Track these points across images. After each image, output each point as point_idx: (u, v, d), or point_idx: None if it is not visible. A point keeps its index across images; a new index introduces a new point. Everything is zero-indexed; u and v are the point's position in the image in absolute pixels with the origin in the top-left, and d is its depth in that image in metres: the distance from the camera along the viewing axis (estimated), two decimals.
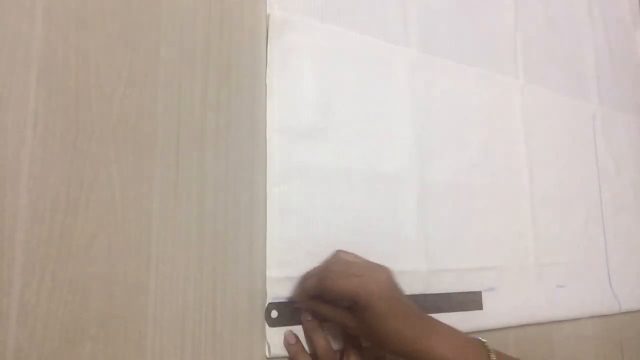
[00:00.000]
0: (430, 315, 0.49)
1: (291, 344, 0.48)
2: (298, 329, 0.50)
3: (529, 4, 0.83)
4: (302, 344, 0.49)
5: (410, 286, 0.58)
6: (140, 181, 0.44)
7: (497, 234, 0.69)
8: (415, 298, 0.58)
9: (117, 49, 0.44)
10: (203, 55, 0.49)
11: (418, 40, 0.66)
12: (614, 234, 0.85)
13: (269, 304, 0.49)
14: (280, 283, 0.50)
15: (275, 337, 0.48)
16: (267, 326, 0.48)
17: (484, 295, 0.65)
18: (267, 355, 0.48)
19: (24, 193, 0.39)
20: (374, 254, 0.56)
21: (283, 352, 0.48)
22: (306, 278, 0.49)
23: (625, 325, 0.81)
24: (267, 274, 0.49)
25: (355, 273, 0.46)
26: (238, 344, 0.47)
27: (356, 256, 0.51)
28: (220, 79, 0.50)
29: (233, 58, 0.51)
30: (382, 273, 0.46)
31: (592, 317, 0.77)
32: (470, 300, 0.64)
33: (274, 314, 0.49)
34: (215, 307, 0.46)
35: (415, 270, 0.59)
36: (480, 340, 0.48)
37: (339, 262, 0.49)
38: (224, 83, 0.50)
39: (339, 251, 0.51)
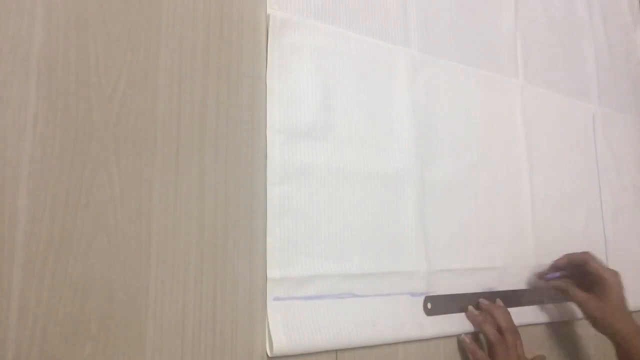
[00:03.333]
0: None
1: (468, 342, 0.60)
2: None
3: (529, 4, 0.83)
4: (474, 343, 0.61)
5: (410, 286, 0.59)
6: (140, 181, 0.44)
7: (497, 234, 0.69)
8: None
9: (117, 49, 0.44)
10: (203, 55, 0.49)
11: (418, 40, 0.66)
12: (614, 234, 0.85)
13: (426, 296, 0.59)
14: (280, 283, 0.50)
15: (278, 336, 0.48)
16: (268, 323, 0.48)
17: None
18: (269, 354, 0.48)
19: (24, 193, 0.39)
20: (374, 254, 0.56)
21: (285, 350, 0.48)
22: (568, 256, 0.69)
23: None
24: (267, 274, 0.49)
25: (605, 266, 0.67)
26: (238, 344, 0.47)
27: None
28: (220, 79, 0.50)
29: (233, 58, 0.51)
30: (619, 274, 0.66)
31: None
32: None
33: (429, 305, 0.59)
34: (215, 307, 0.46)
35: (415, 270, 0.59)
36: None
37: (591, 253, 0.68)
38: (224, 83, 0.50)
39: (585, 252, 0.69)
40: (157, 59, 0.47)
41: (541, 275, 0.71)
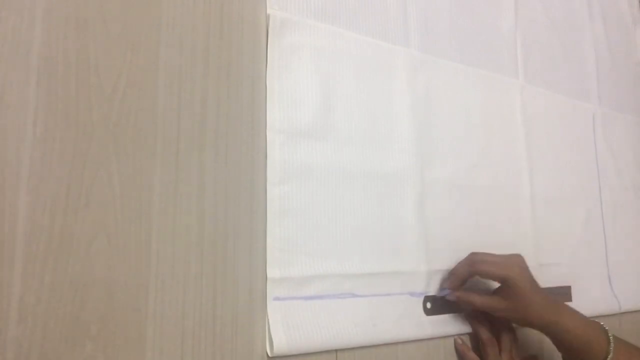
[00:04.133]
0: None
1: (460, 343, 0.60)
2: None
3: (529, 4, 0.83)
4: (467, 343, 0.60)
5: (410, 286, 0.59)
6: (140, 181, 0.44)
7: (497, 234, 0.69)
8: None
9: (117, 49, 0.44)
10: (203, 55, 0.49)
11: (418, 40, 0.66)
12: (614, 234, 0.85)
13: (425, 296, 0.58)
14: (280, 283, 0.50)
15: (278, 336, 0.48)
16: (268, 322, 0.48)
17: None
18: (269, 354, 0.48)
19: (24, 193, 0.39)
20: (374, 254, 0.56)
21: (285, 350, 0.48)
22: (453, 271, 0.60)
23: (625, 325, 0.81)
24: (268, 274, 0.49)
25: (498, 259, 0.57)
26: (238, 344, 0.47)
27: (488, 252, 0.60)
28: (220, 79, 0.50)
29: (233, 58, 0.51)
30: (519, 258, 0.58)
31: (592, 317, 0.77)
32: (561, 293, 0.73)
33: (429, 305, 0.59)
34: (215, 307, 0.46)
35: (415, 270, 0.59)
36: (599, 323, 0.57)
37: (480, 254, 0.59)
38: (224, 83, 0.50)
39: (472, 252, 0.60)
40: (157, 59, 0.47)
41: (437, 292, 0.61)
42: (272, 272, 0.49)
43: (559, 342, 0.57)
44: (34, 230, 0.39)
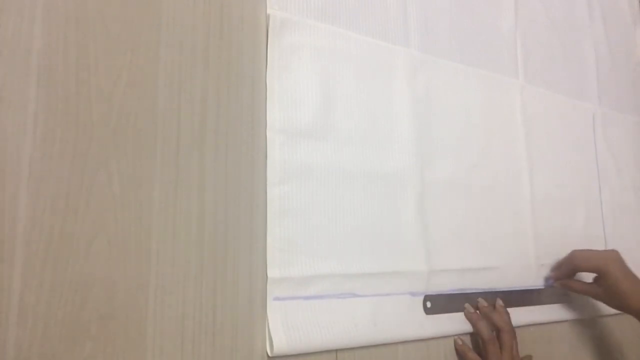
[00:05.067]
0: None
1: (460, 344, 0.61)
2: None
3: (529, 4, 0.83)
4: (468, 344, 0.62)
5: (410, 286, 0.59)
6: (140, 181, 0.44)
7: (497, 234, 0.69)
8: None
9: (117, 49, 0.44)
10: (203, 55, 0.49)
11: (418, 40, 0.66)
12: (614, 234, 0.85)
13: (425, 295, 0.59)
14: (280, 283, 0.50)
15: (278, 336, 0.48)
16: (268, 322, 0.48)
17: None
18: (269, 354, 0.48)
19: (24, 193, 0.39)
20: (374, 254, 0.56)
21: (285, 350, 0.48)
22: (557, 266, 0.73)
23: (625, 325, 0.81)
24: (268, 274, 0.49)
25: (595, 253, 0.68)
26: (238, 344, 0.47)
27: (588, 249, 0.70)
28: (220, 79, 0.50)
29: (233, 58, 0.51)
30: (614, 252, 0.67)
31: (592, 317, 0.77)
32: (561, 293, 0.75)
33: (429, 304, 0.59)
34: (215, 307, 0.46)
35: (415, 270, 0.59)
36: None
37: (578, 250, 0.70)
38: (224, 83, 0.50)
39: (574, 250, 0.70)
40: (157, 59, 0.47)
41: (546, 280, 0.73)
42: (272, 272, 0.49)
43: None
44: (34, 230, 0.39)
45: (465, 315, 0.62)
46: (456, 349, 0.61)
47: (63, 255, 0.39)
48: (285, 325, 0.49)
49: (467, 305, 0.63)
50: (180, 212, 0.46)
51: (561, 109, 0.83)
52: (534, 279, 0.72)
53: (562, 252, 0.75)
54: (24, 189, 0.39)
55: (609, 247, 0.84)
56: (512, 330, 0.62)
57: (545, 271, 0.74)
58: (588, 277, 0.71)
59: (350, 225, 0.55)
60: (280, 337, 0.48)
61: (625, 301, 0.64)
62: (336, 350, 0.51)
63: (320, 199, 0.54)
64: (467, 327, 0.62)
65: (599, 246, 0.83)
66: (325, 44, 0.57)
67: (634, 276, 0.65)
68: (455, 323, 0.61)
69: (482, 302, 0.64)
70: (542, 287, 0.72)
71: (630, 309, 0.64)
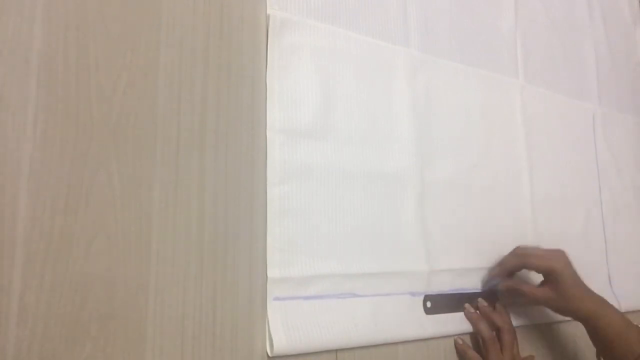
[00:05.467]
0: None
1: (460, 343, 0.61)
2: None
3: (529, 4, 0.83)
4: (468, 343, 0.62)
5: (410, 286, 0.59)
6: (140, 181, 0.44)
7: (497, 234, 0.69)
8: None
9: (117, 49, 0.44)
10: (203, 55, 0.49)
11: (418, 40, 0.66)
12: (614, 234, 0.85)
13: (425, 295, 0.59)
14: (280, 283, 0.50)
15: (278, 336, 0.48)
16: (269, 322, 0.48)
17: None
18: (269, 354, 0.48)
19: (24, 193, 0.39)
20: (374, 254, 0.56)
21: (286, 350, 0.48)
22: (501, 263, 0.64)
23: None
24: (268, 274, 0.49)
25: (544, 253, 0.62)
26: (238, 344, 0.47)
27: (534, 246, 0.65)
28: (220, 79, 0.50)
29: (233, 58, 0.51)
30: (562, 252, 0.61)
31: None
32: None
33: (429, 304, 0.59)
34: (215, 307, 0.46)
35: (416, 270, 0.59)
36: (638, 325, 0.59)
37: (526, 247, 0.64)
38: (224, 83, 0.50)
39: (518, 246, 0.65)
40: (157, 59, 0.47)
41: (485, 284, 0.66)
42: (272, 272, 0.49)
43: (597, 334, 0.60)
44: (34, 230, 0.39)
45: (466, 315, 0.62)
46: (456, 348, 0.61)
47: (63, 255, 0.39)
48: (285, 325, 0.49)
49: (467, 305, 0.63)
50: (180, 212, 0.46)
51: (561, 109, 0.83)
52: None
53: None
54: (24, 189, 0.39)
55: (609, 247, 0.83)
56: (513, 330, 0.62)
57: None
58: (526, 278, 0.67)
59: (350, 225, 0.55)
60: (280, 337, 0.48)
61: (576, 306, 0.59)
62: (336, 350, 0.51)
63: (320, 199, 0.54)
64: (467, 327, 0.62)
65: (599, 246, 0.82)
66: (325, 44, 0.57)
67: (580, 279, 0.61)
68: (456, 323, 0.61)
69: (482, 302, 0.63)
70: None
71: (581, 314, 0.60)
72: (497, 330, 0.61)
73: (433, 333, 0.59)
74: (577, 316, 0.61)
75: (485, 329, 0.60)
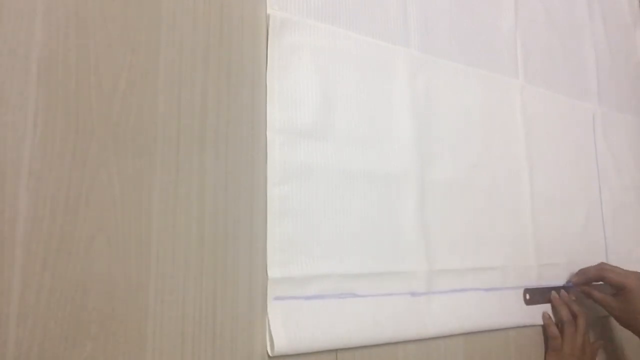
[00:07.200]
0: None
1: (547, 317, 0.71)
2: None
3: (529, 4, 0.83)
4: (552, 319, 0.71)
5: (410, 286, 0.59)
6: (140, 181, 0.44)
7: (497, 234, 0.69)
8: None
9: (117, 49, 0.44)
10: (203, 55, 0.49)
11: (418, 40, 0.66)
12: (614, 233, 0.85)
13: (525, 288, 0.69)
14: (280, 283, 0.50)
15: (279, 336, 0.48)
16: (269, 322, 0.48)
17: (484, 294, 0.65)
18: (270, 354, 0.48)
19: (24, 193, 0.39)
20: (374, 254, 0.56)
21: (286, 350, 0.48)
22: (584, 271, 0.74)
23: None
24: (268, 274, 0.49)
25: (622, 271, 0.71)
26: (238, 344, 0.47)
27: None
28: (220, 79, 0.50)
29: (233, 58, 0.51)
30: (638, 274, 0.70)
31: (592, 317, 0.77)
32: None
33: (527, 296, 0.69)
34: (215, 307, 0.46)
35: (416, 270, 0.59)
36: None
37: (609, 264, 0.74)
38: (224, 83, 0.50)
39: (602, 262, 0.75)
40: (157, 59, 0.47)
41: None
42: (272, 272, 0.49)
43: None
44: (34, 230, 0.39)
45: (552, 298, 0.72)
46: (543, 319, 0.70)
47: (63, 255, 0.39)
48: (285, 325, 0.49)
49: (553, 292, 0.72)
50: (180, 212, 0.46)
51: (561, 109, 0.83)
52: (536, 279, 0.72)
53: (562, 252, 0.76)
54: (24, 189, 0.39)
55: (609, 247, 0.84)
56: (587, 317, 0.71)
57: (553, 271, 0.75)
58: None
59: (351, 225, 0.55)
60: (281, 337, 0.48)
61: (638, 322, 0.67)
62: (336, 350, 0.51)
63: (320, 199, 0.54)
64: (467, 326, 0.62)
65: (599, 246, 0.83)
66: (325, 44, 0.57)
67: None
68: (457, 323, 0.61)
69: (564, 293, 0.73)
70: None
71: (638, 329, 0.68)
72: (574, 316, 0.70)
73: (433, 333, 0.59)
74: (636, 331, 0.69)
75: (566, 313, 0.70)
